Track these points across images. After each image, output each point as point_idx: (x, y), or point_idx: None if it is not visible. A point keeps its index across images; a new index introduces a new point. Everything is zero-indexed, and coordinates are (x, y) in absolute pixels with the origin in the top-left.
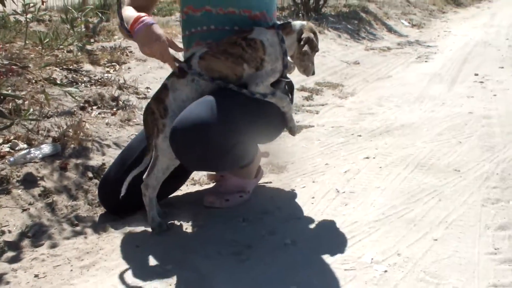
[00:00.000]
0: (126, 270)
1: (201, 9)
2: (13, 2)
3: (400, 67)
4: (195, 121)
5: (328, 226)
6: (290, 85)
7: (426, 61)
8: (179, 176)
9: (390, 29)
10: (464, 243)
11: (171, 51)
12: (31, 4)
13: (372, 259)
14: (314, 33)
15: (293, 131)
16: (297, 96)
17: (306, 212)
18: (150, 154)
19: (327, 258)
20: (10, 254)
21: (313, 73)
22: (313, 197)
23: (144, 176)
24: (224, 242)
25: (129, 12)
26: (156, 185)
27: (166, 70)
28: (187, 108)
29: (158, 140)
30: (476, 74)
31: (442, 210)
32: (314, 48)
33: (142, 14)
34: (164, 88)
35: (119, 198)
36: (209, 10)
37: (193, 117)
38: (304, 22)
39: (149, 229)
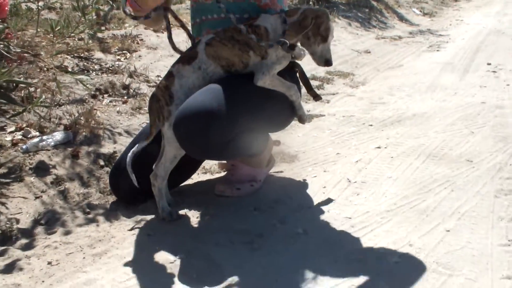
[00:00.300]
0: (138, 258)
1: None
2: None
3: (411, 56)
4: (198, 110)
5: (340, 216)
6: (301, 72)
7: (437, 50)
8: (190, 165)
9: (401, 18)
10: (477, 234)
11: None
12: None
13: (384, 249)
14: (318, 16)
15: (302, 119)
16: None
17: (318, 202)
18: (149, 139)
19: (338, 247)
20: (23, 241)
21: (328, 63)
22: (324, 187)
23: (153, 166)
24: (236, 231)
25: None
26: (165, 175)
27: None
28: (191, 97)
29: (164, 128)
30: (489, 64)
31: (455, 201)
32: (306, 27)
33: None
34: (169, 75)
35: (130, 186)
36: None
37: (196, 105)
38: (313, 7)
39: (160, 218)
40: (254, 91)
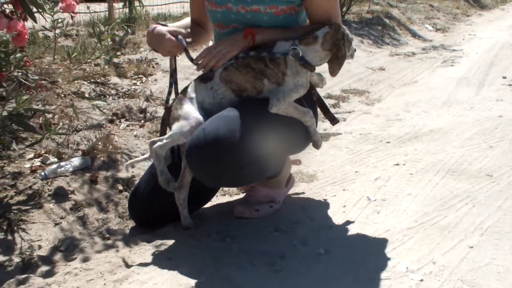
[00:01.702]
0: (159, 282)
1: (222, 6)
2: (43, 17)
3: (425, 72)
4: (210, 138)
5: (361, 235)
6: (318, 97)
7: (452, 65)
8: (209, 188)
9: (414, 34)
10: (501, 250)
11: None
12: (60, 20)
13: (407, 267)
14: (341, 38)
15: (317, 144)
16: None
17: (338, 221)
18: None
19: (361, 267)
20: (44, 268)
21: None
22: (344, 206)
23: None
24: (257, 253)
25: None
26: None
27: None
28: (204, 124)
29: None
30: (504, 77)
31: (477, 217)
32: (340, 49)
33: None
34: (185, 89)
35: (149, 212)
36: (229, 8)
37: (208, 133)
38: (327, 29)
39: (180, 241)
40: (268, 117)
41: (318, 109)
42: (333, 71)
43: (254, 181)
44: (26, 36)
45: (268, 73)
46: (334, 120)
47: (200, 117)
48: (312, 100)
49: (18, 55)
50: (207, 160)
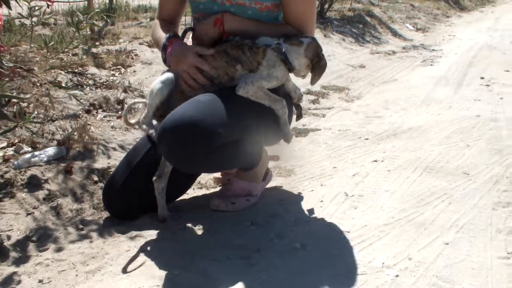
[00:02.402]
0: (133, 275)
1: None
2: (18, 5)
3: (405, 70)
4: (179, 121)
5: (338, 230)
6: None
7: (431, 65)
8: (185, 179)
9: (395, 33)
10: (476, 247)
11: None
12: (37, 8)
13: (383, 263)
14: (321, 51)
15: (287, 137)
16: (304, 100)
17: (315, 216)
18: None
19: (337, 262)
20: (14, 258)
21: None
22: (321, 201)
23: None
24: (233, 246)
25: (158, 34)
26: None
27: None
28: (177, 108)
29: None
30: (482, 78)
31: (453, 214)
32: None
33: (167, 37)
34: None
35: (124, 202)
36: (213, 0)
37: (178, 117)
38: (311, 40)
39: (155, 233)
40: (241, 105)
41: None
42: (313, 80)
43: (225, 168)
44: (0, 22)
45: (243, 60)
46: (299, 116)
47: (171, 75)
48: (290, 102)
49: None
50: (177, 142)
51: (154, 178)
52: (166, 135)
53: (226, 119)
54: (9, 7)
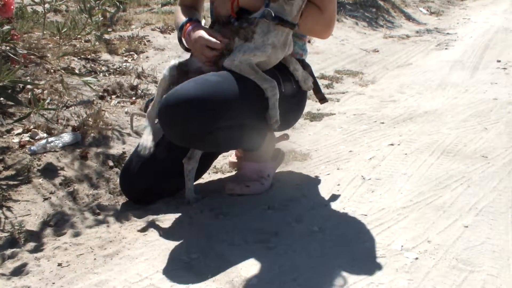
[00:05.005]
0: (150, 258)
1: None
2: None
3: (419, 54)
4: (180, 99)
5: (356, 213)
6: (310, 72)
7: (446, 49)
8: (201, 164)
9: (408, 17)
10: (496, 230)
11: None
12: None
13: (402, 246)
14: None
15: (271, 120)
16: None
17: (332, 200)
18: None
19: (356, 245)
20: (32, 243)
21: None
22: (338, 184)
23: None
24: (250, 230)
25: (178, 19)
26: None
27: None
28: (182, 84)
29: None
30: (499, 61)
31: (472, 197)
32: None
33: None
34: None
35: (140, 187)
36: None
37: (180, 94)
38: None
39: (172, 218)
40: (245, 88)
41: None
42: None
43: (224, 148)
44: (12, 7)
45: (240, 32)
46: (323, 100)
47: (176, 62)
48: (302, 95)
49: (5, 27)
50: (176, 118)
51: (184, 159)
52: (166, 110)
53: (229, 103)
54: None
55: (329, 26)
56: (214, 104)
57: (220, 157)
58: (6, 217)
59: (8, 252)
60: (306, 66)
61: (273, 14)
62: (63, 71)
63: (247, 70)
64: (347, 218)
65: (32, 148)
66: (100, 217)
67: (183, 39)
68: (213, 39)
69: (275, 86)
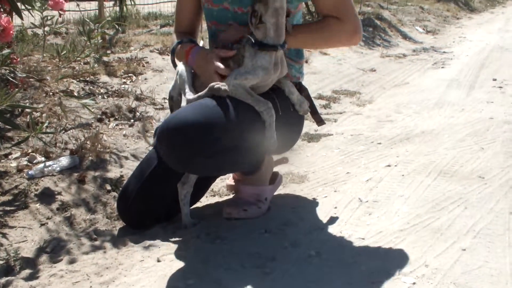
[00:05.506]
0: (147, 285)
1: (218, 5)
2: (31, 15)
3: (416, 73)
4: (179, 123)
5: (353, 237)
6: (307, 95)
7: (442, 67)
8: (198, 187)
9: (405, 36)
10: (494, 253)
11: None
12: (49, 17)
13: (399, 270)
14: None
15: (268, 144)
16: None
17: (329, 223)
18: None
19: (352, 270)
20: (28, 271)
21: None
22: (335, 207)
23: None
24: (247, 255)
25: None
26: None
27: None
28: (180, 109)
29: None
30: (495, 79)
31: (469, 219)
32: None
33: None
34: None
35: (138, 213)
36: (226, 8)
37: (179, 118)
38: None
39: (169, 243)
40: (248, 110)
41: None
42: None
43: (225, 172)
44: (11, 32)
45: (234, 58)
46: (320, 122)
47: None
48: (300, 117)
49: (5, 51)
50: (176, 143)
51: (178, 184)
52: (166, 136)
53: (227, 127)
54: (20, 17)
55: (355, 32)
56: (213, 128)
57: (217, 180)
58: (1, 244)
59: (3, 280)
60: (303, 90)
61: (252, 41)
62: (62, 94)
63: (241, 94)
64: (344, 241)
65: (29, 172)
66: (97, 242)
67: (188, 60)
68: (222, 67)
69: (271, 107)
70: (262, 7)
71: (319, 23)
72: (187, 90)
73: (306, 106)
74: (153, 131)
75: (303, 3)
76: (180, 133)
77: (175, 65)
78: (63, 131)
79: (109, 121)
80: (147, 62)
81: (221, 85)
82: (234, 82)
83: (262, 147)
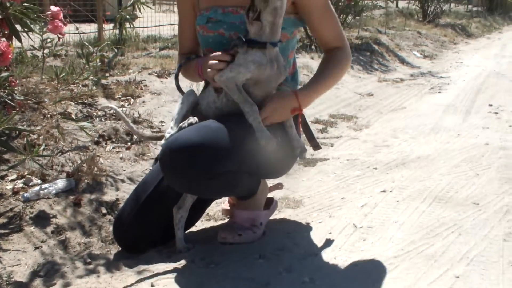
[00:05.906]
0: None
1: (214, 32)
2: (30, 39)
3: (413, 98)
4: (183, 144)
5: (347, 263)
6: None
7: (439, 92)
8: (194, 211)
9: (402, 61)
10: (488, 281)
11: None
12: (48, 40)
13: None
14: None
15: (264, 143)
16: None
17: (324, 249)
18: None
19: None
20: None
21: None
22: (330, 233)
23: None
24: (241, 280)
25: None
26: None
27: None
28: (184, 130)
29: None
30: (490, 105)
31: (463, 245)
32: None
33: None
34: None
35: (134, 237)
36: (222, 34)
37: (182, 139)
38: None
39: (163, 267)
40: (247, 134)
41: (303, 135)
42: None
43: (223, 195)
44: (9, 56)
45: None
46: (317, 147)
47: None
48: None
49: (3, 74)
50: (178, 164)
51: (174, 208)
52: (166, 157)
53: (230, 150)
54: (19, 40)
55: (350, 54)
56: (215, 150)
57: (213, 204)
58: None
59: None
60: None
61: (243, 39)
62: (59, 116)
63: (232, 88)
64: (338, 268)
65: (25, 195)
66: (91, 266)
67: (198, 71)
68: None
69: (256, 110)
70: (262, 3)
71: (326, 64)
72: (171, 124)
73: (302, 144)
74: (149, 154)
75: (300, 28)
76: (184, 154)
77: (180, 90)
78: (60, 153)
79: (106, 143)
80: (145, 85)
81: (218, 75)
82: (229, 75)
83: (260, 170)
